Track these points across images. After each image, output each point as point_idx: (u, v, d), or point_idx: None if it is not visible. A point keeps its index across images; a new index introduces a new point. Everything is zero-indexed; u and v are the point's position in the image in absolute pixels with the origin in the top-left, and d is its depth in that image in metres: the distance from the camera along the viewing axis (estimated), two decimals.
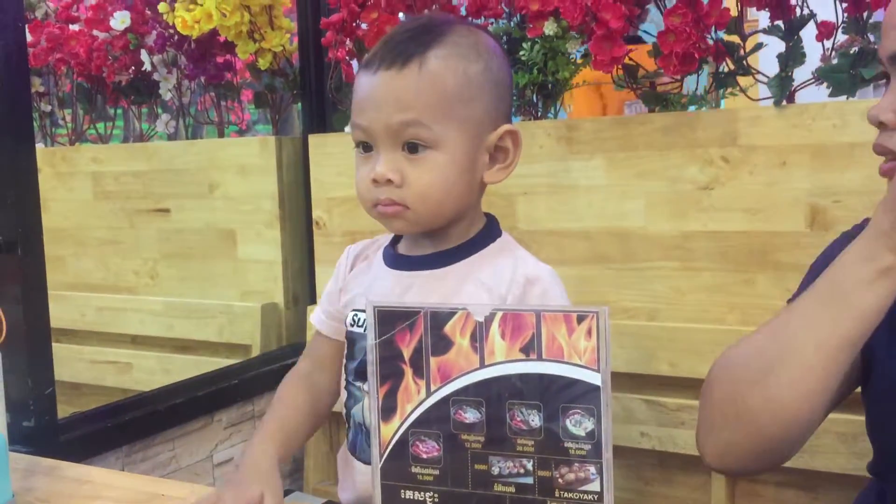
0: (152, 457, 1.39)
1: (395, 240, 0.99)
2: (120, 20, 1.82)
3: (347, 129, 1.73)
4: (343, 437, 1.08)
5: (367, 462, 0.85)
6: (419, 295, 0.91)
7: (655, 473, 1.39)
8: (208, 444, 1.50)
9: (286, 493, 1.34)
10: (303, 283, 1.74)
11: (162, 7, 1.73)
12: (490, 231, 0.95)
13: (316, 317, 1.05)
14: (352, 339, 0.96)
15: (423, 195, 0.87)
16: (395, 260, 0.96)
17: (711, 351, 1.29)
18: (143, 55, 1.84)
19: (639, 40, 1.94)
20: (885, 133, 0.75)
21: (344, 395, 0.99)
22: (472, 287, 0.90)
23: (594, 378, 0.57)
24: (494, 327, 0.60)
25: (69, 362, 1.84)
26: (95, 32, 1.89)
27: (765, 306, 1.28)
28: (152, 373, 1.77)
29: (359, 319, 0.95)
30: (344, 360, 0.99)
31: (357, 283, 0.99)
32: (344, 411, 0.99)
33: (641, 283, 1.38)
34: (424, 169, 0.87)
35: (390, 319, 0.63)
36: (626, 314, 1.39)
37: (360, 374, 0.94)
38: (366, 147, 0.89)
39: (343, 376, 0.99)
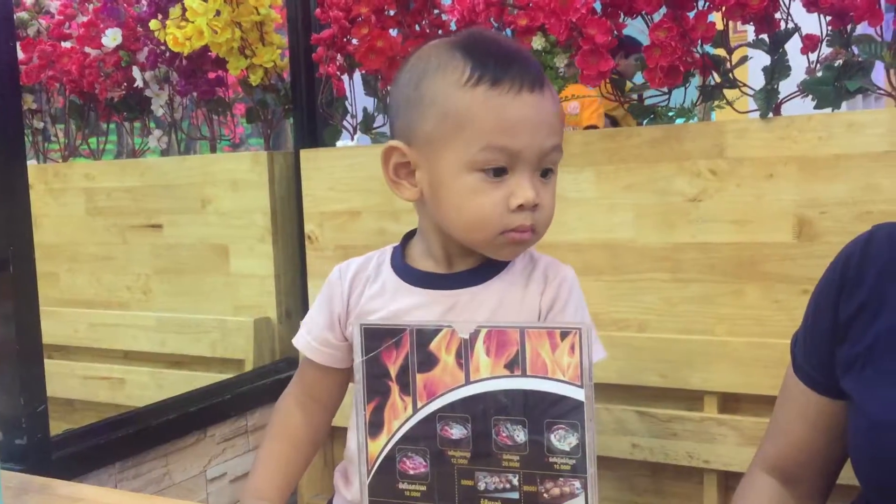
0: (145, 473, 1.39)
1: (401, 255, 0.96)
2: (112, 37, 1.83)
3: (340, 143, 1.74)
4: (338, 451, 1.07)
5: None
6: (466, 313, 0.89)
7: (647, 484, 1.39)
8: (202, 459, 1.50)
9: None
10: (295, 298, 1.75)
11: (153, 24, 1.74)
12: None
13: (304, 343, 0.99)
14: None
15: (548, 219, 0.88)
16: (425, 279, 0.93)
17: (701, 361, 1.31)
18: (135, 72, 1.85)
19: (635, 42, 1.95)
20: None
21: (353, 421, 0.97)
22: (512, 302, 0.90)
23: (578, 394, 0.58)
24: (479, 344, 0.60)
25: (62, 378, 1.84)
26: (87, 49, 1.90)
27: (753, 317, 1.29)
28: (145, 388, 1.77)
29: None
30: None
31: (376, 305, 0.94)
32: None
33: (631, 295, 1.38)
34: (550, 193, 0.88)
35: (377, 337, 0.63)
36: (617, 326, 1.40)
37: None
38: (498, 172, 0.84)
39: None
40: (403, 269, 0.94)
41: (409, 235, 0.98)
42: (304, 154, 1.69)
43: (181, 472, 1.46)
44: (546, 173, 0.87)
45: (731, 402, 1.32)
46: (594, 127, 2.32)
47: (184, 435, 1.46)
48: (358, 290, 0.96)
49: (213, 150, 1.92)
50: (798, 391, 0.93)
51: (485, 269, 0.91)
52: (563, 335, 0.58)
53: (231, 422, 1.55)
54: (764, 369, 1.26)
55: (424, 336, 0.62)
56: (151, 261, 1.87)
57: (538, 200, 0.84)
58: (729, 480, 1.31)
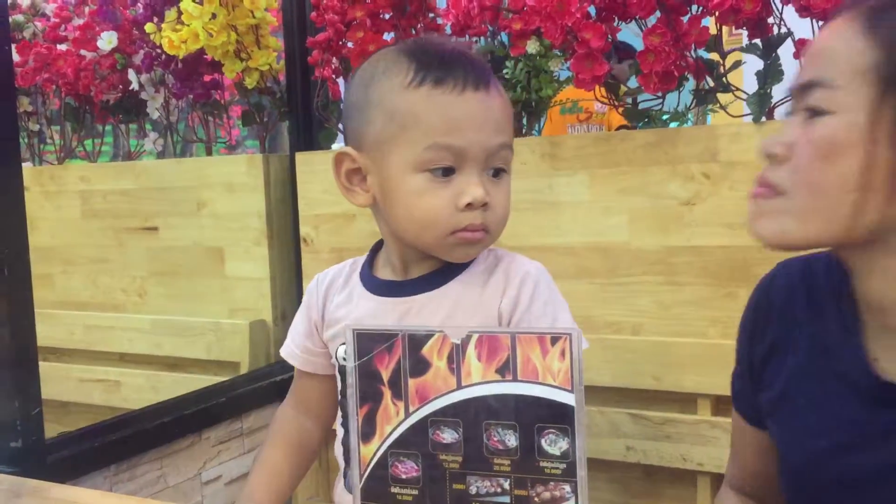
0: (140, 476, 1.39)
1: (370, 264, 0.97)
2: (107, 40, 1.84)
3: (335, 145, 1.75)
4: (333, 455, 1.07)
5: None
6: (417, 320, 0.89)
7: (641, 487, 1.40)
8: (196, 462, 1.50)
9: None
10: (291, 300, 1.75)
11: (149, 27, 1.74)
12: None
13: (289, 352, 1.02)
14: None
15: (502, 219, 0.88)
16: (382, 287, 0.93)
17: (695, 364, 1.31)
18: (131, 74, 1.85)
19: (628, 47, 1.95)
20: (772, 166, 0.74)
21: (341, 431, 0.96)
22: (469, 305, 0.89)
23: (568, 398, 0.59)
24: (471, 349, 0.61)
25: (57, 381, 1.84)
26: (83, 52, 1.90)
27: None
28: (141, 391, 1.78)
29: None
30: (339, 397, 0.96)
31: (341, 314, 0.96)
32: (341, 449, 0.96)
33: (625, 298, 1.39)
34: (503, 192, 0.87)
35: (369, 342, 0.64)
36: (611, 328, 1.40)
37: None
38: (445, 171, 0.84)
39: (339, 412, 0.97)
40: (367, 277, 0.95)
41: (380, 244, 0.99)
42: (300, 157, 1.69)
43: (176, 474, 1.46)
44: (497, 172, 0.86)
45: (724, 405, 1.32)
46: (626, 127, 2.32)
47: (179, 438, 1.46)
48: (332, 298, 0.97)
49: (209, 152, 1.92)
50: (739, 425, 0.94)
51: (441, 273, 0.91)
52: (554, 340, 0.58)
53: (226, 424, 1.56)
54: None
55: (416, 341, 0.62)
56: (147, 263, 1.87)
57: (487, 199, 0.84)
58: (722, 483, 1.32)
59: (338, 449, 0.97)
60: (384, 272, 0.95)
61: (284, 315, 1.75)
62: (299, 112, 1.76)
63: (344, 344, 0.91)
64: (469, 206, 0.83)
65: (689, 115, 1.42)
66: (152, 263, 1.86)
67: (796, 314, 0.82)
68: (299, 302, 1.73)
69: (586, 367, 1.36)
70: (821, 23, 1.25)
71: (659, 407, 1.35)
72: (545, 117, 1.56)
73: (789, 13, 1.27)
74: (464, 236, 0.85)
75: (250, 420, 1.60)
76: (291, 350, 1.01)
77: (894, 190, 0.64)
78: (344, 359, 0.91)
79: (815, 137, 0.68)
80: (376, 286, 0.94)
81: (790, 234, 0.70)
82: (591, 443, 1.36)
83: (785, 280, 0.85)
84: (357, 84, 0.90)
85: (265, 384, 1.62)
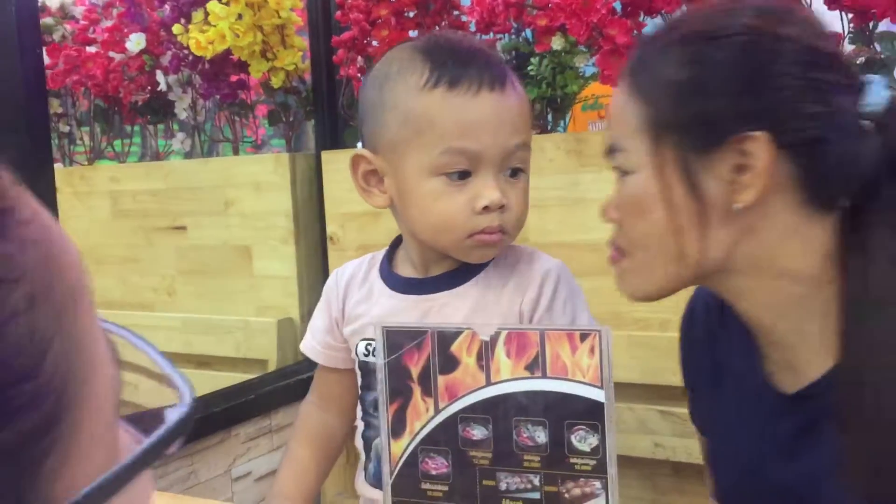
0: (171, 472, 1.41)
1: (389, 260, 0.97)
2: (135, 42, 1.86)
3: (360, 145, 1.75)
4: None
5: None
6: (438, 318, 0.88)
7: (670, 483, 1.39)
8: (227, 458, 1.52)
9: None
10: (317, 298, 1.73)
11: (176, 29, 1.76)
12: None
13: (309, 348, 1.01)
14: (369, 370, 0.92)
15: (520, 218, 0.86)
16: (403, 284, 0.93)
17: None
18: (159, 75, 1.87)
19: None
20: (616, 229, 0.78)
21: (361, 425, 0.96)
22: (490, 304, 0.88)
23: (598, 395, 0.59)
24: (500, 346, 0.61)
25: None
26: (112, 54, 1.92)
27: None
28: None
29: (374, 348, 0.91)
30: (360, 392, 0.96)
31: (361, 310, 0.95)
32: (361, 442, 0.96)
33: None
34: (519, 192, 0.86)
35: (398, 339, 0.64)
36: (638, 325, 1.40)
37: None
38: (462, 175, 0.83)
39: (360, 407, 0.96)
40: (387, 274, 0.95)
41: (399, 240, 0.98)
42: (326, 156, 1.70)
43: (206, 470, 1.48)
44: (515, 173, 0.85)
45: None
46: None
47: (209, 434, 1.48)
48: (352, 294, 0.97)
49: (236, 152, 1.94)
50: (700, 435, 0.95)
51: (462, 272, 0.90)
52: (583, 337, 0.58)
53: (255, 421, 1.57)
54: None
55: (446, 338, 0.62)
56: (176, 262, 1.89)
57: (504, 201, 0.83)
58: None
59: (358, 442, 0.98)
60: (404, 269, 0.94)
61: (311, 313, 1.75)
62: (325, 111, 1.76)
63: (364, 340, 0.92)
64: (486, 209, 0.82)
65: None
66: (181, 262, 1.88)
67: (714, 338, 0.85)
68: None
69: (615, 364, 1.35)
70: (850, 16, 1.24)
71: (687, 404, 1.34)
72: (570, 114, 1.55)
73: (818, 6, 1.25)
74: (481, 239, 0.84)
75: (279, 417, 1.61)
76: (312, 346, 1.01)
77: (702, 224, 0.67)
78: (365, 354, 0.92)
79: (625, 197, 0.73)
80: (397, 283, 0.93)
81: (643, 288, 0.74)
82: (619, 439, 1.34)
83: (703, 306, 0.88)
84: (371, 85, 0.89)
85: (293, 381, 1.63)
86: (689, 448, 1.32)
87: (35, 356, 0.27)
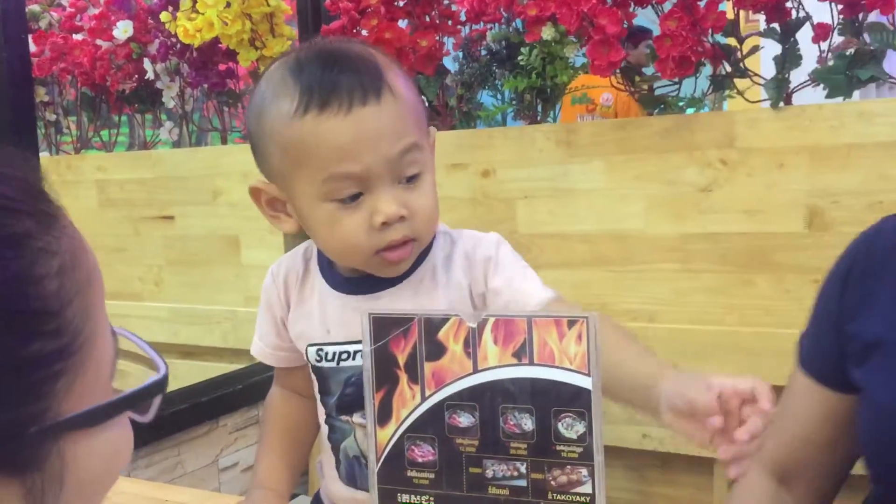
0: (158, 462, 1.41)
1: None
2: (123, 30, 1.84)
3: None
4: None
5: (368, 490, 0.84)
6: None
7: (658, 474, 1.40)
8: (213, 449, 1.51)
9: (292, 497, 1.35)
10: None
11: (164, 16, 1.74)
12: None
13: (259, 351, 0.98)
14: (323, 375, 0.90)
15: (429, 221, 0.83)
16: (346, 284, 0.89)
17: (712, 352, 1.31)
18: (147, 64, 1.86)
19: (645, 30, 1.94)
20: None
21: (325, 428, 0.94)
22: (438, 288, 0.87)
23: (585, 382, 0.58)
24: (487, 333, 0.61)
25: None
26: (99, 42, 1.91)
27: (764, 307, 1.29)
28: None
29: (325, 354, 0.89)
30: (318, 396, 0.93)
31: (304, 311, 0.92)
32: (329, 445, 0.94)
33: (641, 285, 1.38)
34: (422, 194, 0.82)
35: (385, 326, 0.64)
36: (627, 316, 1.40)
37: (344, 408, 0.90)
38: (352, 198, 0.79)
39: (322, 409, 0.94)
40: (329, 272, 0.91)
41: None
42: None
43: (194, 461, 1.47)
44: (411, 178, 0.81)
45: None
46: None
47: (196, 425, 1.48)
48: (293, 290, 0.93)
49: (224, 141, 1.92)
50: (804, 386, 0.92)
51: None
52: (571, 324, 0.58)
53: (243, 412, 1.57)
54: (774, 359, 1.25)
55: (433, 325, 0.62)
56: (163, 252, 1.88)
57: (403, 212, 0.79)
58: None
59: (325, 445, 0.95)
60: (345, 268, 0.91)
61: None
62: None
63: (314, 345, 0.90)
64: (385, 224, 0.79)
65: (706, 102, 1.41)
66: (168, 252, 1.87)
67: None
68: None
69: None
70: (840, 7, 1.24)
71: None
72: (560, 104, 1.55)
73: None
74: (388, 256, 0.82)
75: None
76: (261, 349, 0.97)
77: None
78: (317, 360, 0.90)
79: None
80: (340, 283, 0.90)
81: None
82: (607, 430, 1.34)
83: (892, 231, 0.85)
84: (251, 113, 0.85)
85: None
86: (676, 439, 1.33)
87: (61, 303, 0.40)
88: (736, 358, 1.29)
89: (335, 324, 0.89)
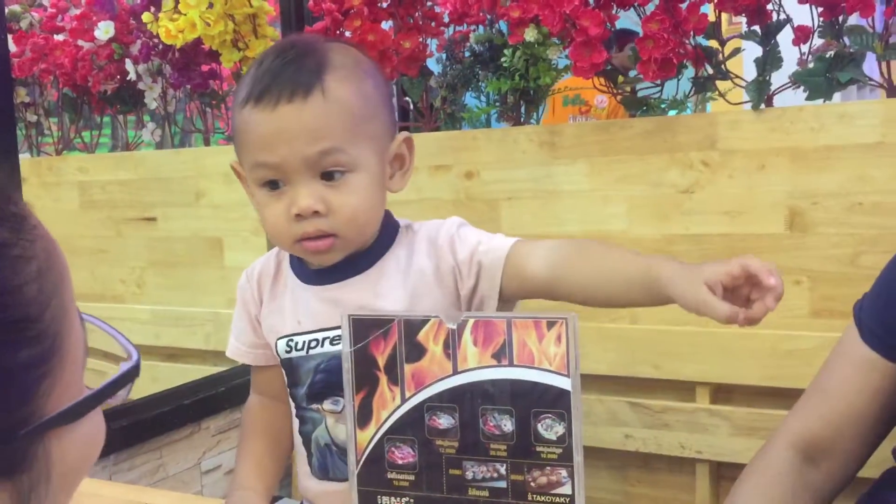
0: (139, 465, 1.39)
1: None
2: (104, 30, 1.83)
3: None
4: None
5: (343, 479, 0.86)
6: (354, 302, 0.90)
7: (640, 475, 1.40)
8: (196, 451, 1.50)
9: (275, 499, 1.35)
10: None
11: (146, 17, 1.73)
12: (391, 222, 0.97)
13: (235, 351, 1.02)
14: (293, 366, 0.94)
15: (351, 220, 0.87)
16: (315, 276, 0.94)
17: (694, 352, 1.31)
18: (128, 64, 1.84)
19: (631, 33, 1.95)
20: None
21: (296, 422, 0.97)
22: (400, 270, 0.92)
23: (564, 383, 0.58)
24: (467, 334, 0.61)
25: None
26: (80, 42, 1.89)
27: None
28: (140, 381, 1.76)
29: (295, 344, 0.93)
30: (288, 389, 0.96)
31: (275, 307, 0.97)
32: (300, 439, 0.97)
33: None
34: (346, 193, 0.87)
35: (365, 328, 0.64)
36: (609, 317, 1.40)
37: (314, 397, 0.92)
38: (273, 185, 0.87)
39: (292, 403, 0.97)
40: (299, 267, 0.96)
41: None
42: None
43: (176, 464, 1.46)
44: (332, 175, 0.86)
45: (722, 393, 1.32)
46: None
47: (178, 427, 1.47)
48: (266, 287, 0.99)
49: (207, 142, 1.92)
50: (858, 357, 0.92)
51: (366, 256, 0.93)
52: (550, 325, 0.58)
53: (225, 414, 1.56)
54: (755, 360, 1.26)
55: (412, 327, 0.62)
56: (146, 254, 1.87)
57: (317, 207, 0.85)
58: (721, 470, 1.32)
59: (297, 439, 0.97)
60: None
61: None
62: None
63: (283, 337, 0.94)
64: (299, 216, 0.85)
65: (689, 104, 1.41)
66: (151, 254, 1.86)
67: None
68: None
69: (586, 356, 1.36)
70: (820, 9, 1.25)
71: (657, 395, 1.35)
72: (544, 105, 1.55)
73: (788, 0, 1.26)
74: (306, 245, 0.87)
75: None
76: (237, 348, 1.02)
77: None
78: (287, 351, 0.94)
79: None
80: (308, 276, 0.95)
81: None
82: (589, 431, 1.36)
83: None
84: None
85: None
86: (659, 439, 1.33)
87: (41, 308, 0.41)
88: (717, 359, 1.29)
89: (305, 314, 0.93)
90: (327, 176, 0.86)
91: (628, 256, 0.87)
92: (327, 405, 0.92)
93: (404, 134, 0.95)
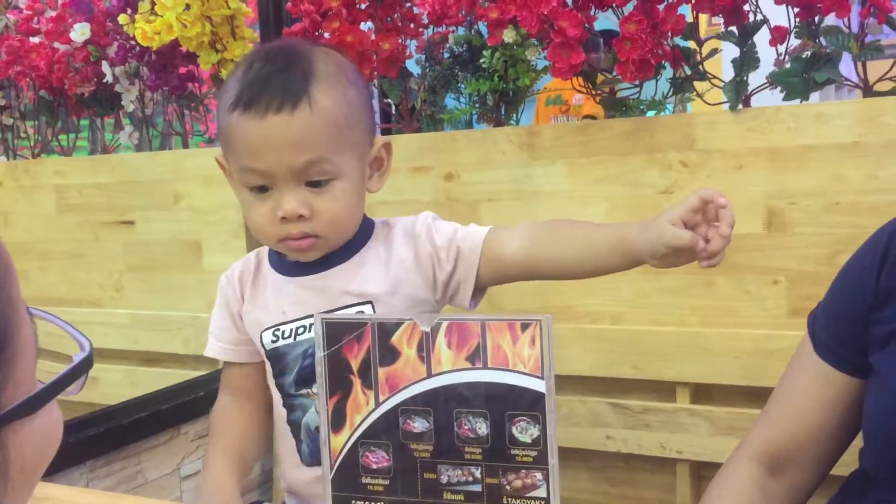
0: (117, 471, 1.38)
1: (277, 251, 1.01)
2: (80, 32, 1.81)
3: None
4: None
5: None
6: (338, 288, 0.94)
7: (621, 475, 1.40)
8: (175, 457, 1.49)
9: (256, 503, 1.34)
10: None
11: (122, 19, 1.72)
12: (367, 220, 1.01)
13: (216, 350, 1.05)
14: (279, 355, 0.97)
15: (333, 223, 0.92)
16: (296, 267, 0.98)
17: (674, 353, 1.31)
18: (105, 67, 1.83)
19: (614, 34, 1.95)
20: None
21: (284, 412, 0.99)
22: (380, 261, 0.96)
23: (539, 385, 0.58)
24: (440, 337, 0.60)
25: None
26: (56, 45, 1.87)
27: (724, 308, 1.30)
28: (118, 386, 1.76)
29: (282, 332, 0.96)
30: (274, 380, 0.99)
31: (257, 301, 1.00)
32: (289, 428, 0.99)
33: (605, 288, 1.39)
34: (330, 198, 0.91)
35: (338, 331, 0.63)
36: (590, 318, 1.40)
37: (303, 382, 0.95)
38: (260, 189, 0.91)
39: (278, 395, 0.99)
40: (279, 262, 1.00)
41: None
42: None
43: (154, 469, 1.45)
44: (318, 183, 0.90)
45: (703, 393, 1.32)
46: (592, 117, 2.33)
47: (157, 433, 1.45)
48: (247, 285, 1.02)
49: (186, 145, 1.90)
50: (814, 370, 0.92)
51: (345, 248, 0.97)
52: (524, 327, 0.58)
53: (205, 419, 1.54)
54: (735, 360, 1.27)
55: (386, 329, 0.61)
56: (124, 257, 1.85)
57: (302, 211, 0.89)
58: (701, 470, 1.32)
59: (285, 429, 0.99)
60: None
61: None
62: None
63: (269, 328, 0.97)
64: (284, 218, 0.89)
65: (668, 105, 1.41)
66: (129, 257, 1.84)
67: None
68: None
69: (567, 357, 1.36)
70: (797, 10, 1.25)
71: (638, 396, 1.35)
72: (524, 106, 1.55)
73: (765, 0, 1.26)
74: (289, 245, 0.92)
75: None
76: (218, 347, 1.05)
77: None
78: (273, 341, 0.97)
79: None
80: (290, 267, 0.98)
81: None
82: (570, 432, 1.36)
83: None
84: (219, 94, 0.97)
85: None
86: (640, 440, 1.33)
87: None
88: (699, 358, 1.30)
89: (290, 304, 0.96)
90: (312, 183, 0.90)
91: (596, 227, 0.95)
92: (316, 388, 0.93)
93: (384, 138, 1.00)
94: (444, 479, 0.61)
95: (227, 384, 1.06)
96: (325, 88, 0.90)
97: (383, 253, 0.97)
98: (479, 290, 0.98)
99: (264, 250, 1.04)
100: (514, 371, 0.58)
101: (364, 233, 0.99)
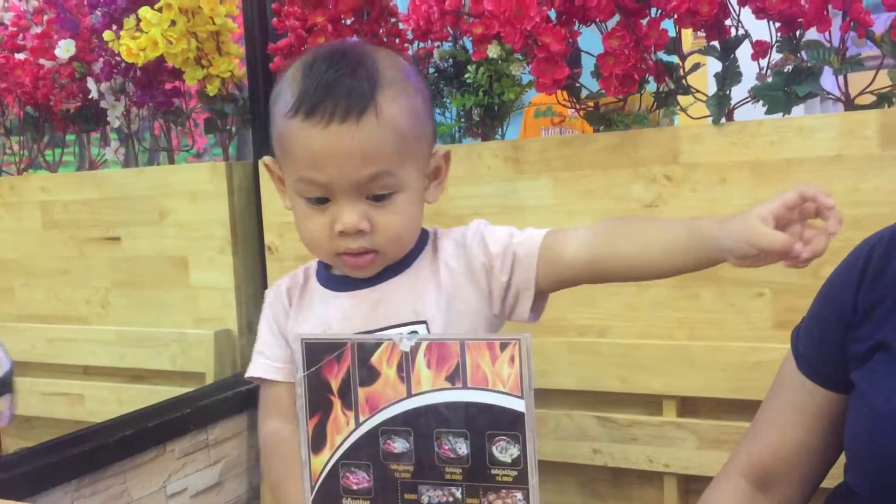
0: (103, 490, 1.37)
1: (325, 266, 0.98)
2: (65, 48, 1.81)
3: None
4: None
5: None
6: (391, 304, 0.90)
7: (609, 489, 1.40)
8: (161, 475, 1.48)
9: None
10: (256, 309, 1.70)
11: (107, 35, 1.72)
12: (422, 233, 0.98)
13: (264, 369, 0.98)
14: None
15: (394, 238, 0.88)
16: (347, 282, 0.94)
17: (661, 366, 1.31)
18: (90, 83, 1.82)
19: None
20: None
21: None
22: (431, 274, 0.92)
23: (518, 405, 0.58)
24: (420, 357, 0.60)
25: (20, 395, 1.80)
26: (41, 61, 1.87)
27: (710, 321, 1.30)
28: (105, 403, 1.75)
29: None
30: None
31: (303, 317, 0.96)
32: None
33: (592, 301, 1.39)
34: (391, 212, 0.87)
35: (318, 352, 0.63)
36: (577, 331, 1.40)
37: None
38: (320, 200, 0.86)
39: None
40: (327, 277, 0.96)
41: None
42: (264, 164, 1.67)
43: (140, 488, 1.44)
44: (380, 197, 0.86)
45: (689, 406, 1.32)
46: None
47: (142, 450, 1.44)
48: (294, 299, 0.99)
49: (172, 161, 1.90)
50: (797, 386, 0.92)
51: (405, 257, 0.93)
52: (503, 346, 0.58)
53: (191, 436, 1.53)
54: (722, 373, 1.27)
55: (365, 350, 0.61)
56: (110, 274, 1.84)
57: (363, 226, 0.85)
58: (688, 483, 1.32)
59: None
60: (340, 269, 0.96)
61: (250, 324, 1.73)
62: (263, 119, 1.74)
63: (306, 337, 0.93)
64: (343, 233, 0.85)
65: (647, 118, 1.42)
66: (115, 274, 1.84)
67: None
68: None
69: (554, 371, 1.36)
70: (778, 24, 1.26)
71: (625, 409, 1.35)
72: (509, 120, 1.56)
73: (746, 15, 1.27)
74: (346, 260, 0.88)
75: (216, 431, 1.58)
76: (269, 366, 0.98)
77: None
78: None
79: None
80: (339, 282, 0.94)
81: None
82: (557, 446, 1.35)
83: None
84: (272, 95, 0.92)
85: (231, 394, 1.59)
86: (627, 453, 1.33)
87: None
88: (686, 371, 1.30)
89: (338, 319, 0.91)
90: (374, 196, 0.86)
91: (668, 223, 0.88)
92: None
93: (444, 147, 0.95)
94: (424, 499, 0.61)
95: (275, 407, 0.98)
96: (392, 96, 0.84)
97: (434, 265, 0.93)
98: (539, 299, 0.93)
99: (312, 266, 1.00)
100: (493, 391, 0.58)
101: (418, 245, 0.95)
